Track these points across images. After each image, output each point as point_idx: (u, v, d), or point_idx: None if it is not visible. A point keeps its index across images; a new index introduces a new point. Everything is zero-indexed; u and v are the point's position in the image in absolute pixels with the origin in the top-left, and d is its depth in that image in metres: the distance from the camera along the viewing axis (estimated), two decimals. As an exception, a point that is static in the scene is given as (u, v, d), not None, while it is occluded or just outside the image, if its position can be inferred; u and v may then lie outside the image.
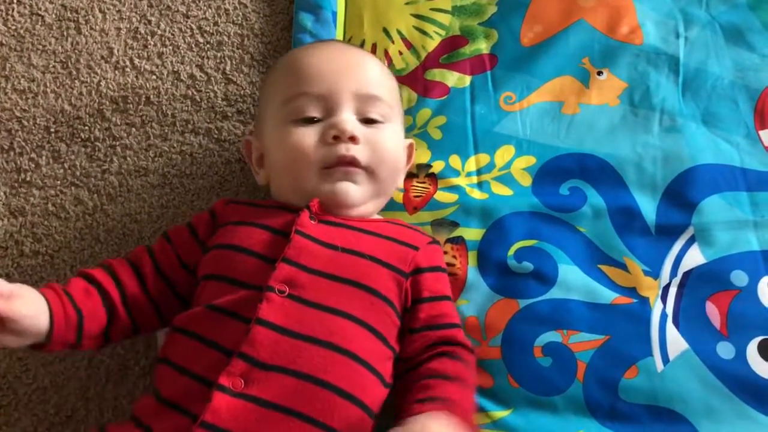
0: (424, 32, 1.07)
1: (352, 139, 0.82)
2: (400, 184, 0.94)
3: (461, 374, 0.77)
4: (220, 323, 0.74)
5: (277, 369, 0.70)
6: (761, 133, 0.98)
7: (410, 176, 0.97)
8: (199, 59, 1.09)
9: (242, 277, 0.77)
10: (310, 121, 0.84)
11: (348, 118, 0.83)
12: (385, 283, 0.78)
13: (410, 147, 0.94)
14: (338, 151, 0.82)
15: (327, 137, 0.82)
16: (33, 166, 1.03)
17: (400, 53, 1.06)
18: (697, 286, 0.89)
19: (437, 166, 0.98)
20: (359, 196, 0.83)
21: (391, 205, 0.94)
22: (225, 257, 0.80)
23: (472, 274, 0.91)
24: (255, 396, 0.69)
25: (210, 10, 1.12)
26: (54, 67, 1.09)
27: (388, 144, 0.86)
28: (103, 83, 1.07)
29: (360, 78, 0.86)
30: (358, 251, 0.79)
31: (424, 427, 0.66)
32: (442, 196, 0.95)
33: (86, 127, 1.05)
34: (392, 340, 0.78)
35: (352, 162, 0.82)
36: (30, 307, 0.71)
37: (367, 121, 0.85)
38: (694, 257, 0.91)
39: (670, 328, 0.87)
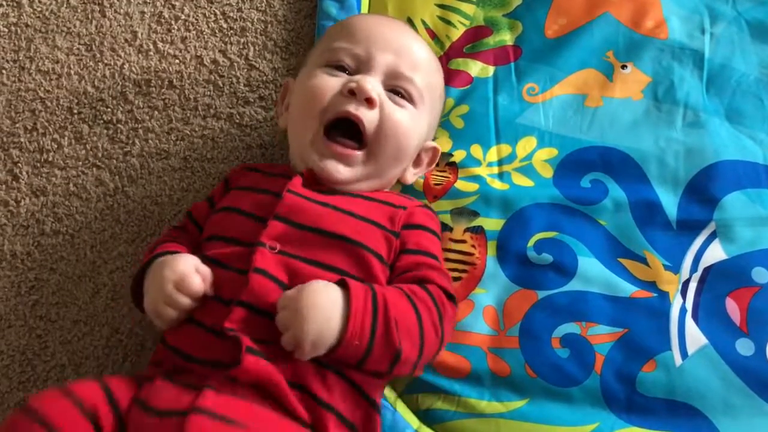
0: (448, 22, 1.07)
1: (369, 101, 0.81)
2: (409, 179, 0.92)
3: (417, 292, 0.75)
4: (215, 274, 0.75)
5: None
6: (786, 131, 0.97)
7: (430, 164, 0.97)
8: (223, 45, 1.09)
9: (236, 235, 0.78)
10: (340, 69, 0.84)
11: (372, 81, 0.82)
12: (374, 239, 0.78)
13: (435, 150, 0.93)
14: (347, 107, 0.81)
15: (344, 89, 0.82)
16: (55, 146, 1.03)
17: (424, 42, 1.05)
18: (718, 281, 0.88)
19: (458, 155, 0.97)
20: (348, 176, 0.83)
21: (411, 193, 0.94)
22: (223, 218, 0.82)
23: (491, 263, 0.90)
24: (263, 339, 0.71)
25: (234, -4, 1.13)
26: (78, 49, 1.09)
27: (402, 123, 0.84)
28: (126, 66, 1.08)
29: (402, 55, 0.86)
30: (349, 210, 0.80)
31: (302, 288, 0.69)
32: (462, 185, 0.95)
33: (109, 109, 1.05)
34: None
35: (357, 121, 0.81)
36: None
37: (393, 94, 0.85)
38: (715, 253, 0.90)
39: (690, 322, 0.86)
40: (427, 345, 0.74)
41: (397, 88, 0.85)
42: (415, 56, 0.88)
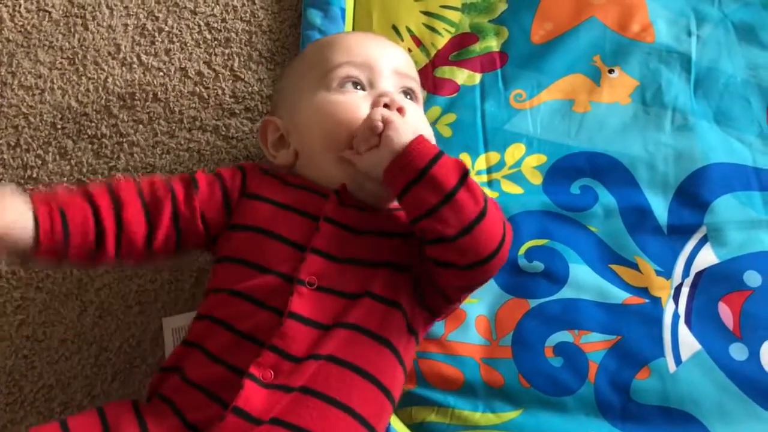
0: (433, 29, 1.06)
1: (400, 110, 0.80)
2: None
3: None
4: (248, 312, 0.74)
5: (307, 359, 0.71)
6: (774, 132, 0.97)
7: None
8: (207, 56, 1.08)
9: (268, 263, 0.76)
10: (354, 86, 0.83)
11: (393, 89, 0.84)
12: (407, 251, 0.78)
13: None
14: None
15: (378, 104, 0.80)
16: (39, 162, 1.02)
17: (410, 51, 1.04)
18: (710, 286, 0.88)
19: (447, 164, 0.97)
20: (390, 199, 0.81)
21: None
22: (252, 241, 0.78)
23: (482, 273, 0.90)
24: (283, 384, 0.70)
25: (218, 7, 1.12)
26: (61, 63, 1.08)
27: (420, 122, 0.84)
28: (110, 80, 1.07)
29: (397, 57, 0.87)
30: (382, 230, 0.79)
31: None
32: (451, 194, 0.95)
33: (93, 124, 1.04)
34: (415, 322, 0.78)
35: None
36: (12, 215, 0.71)
37: (403, 95, 0.85)
38: (707, 257, 0.90)
39: (683, 328, 0.86)
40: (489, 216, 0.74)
41: (404, 89, 0.86)
42: (404, 56, 0.90)
